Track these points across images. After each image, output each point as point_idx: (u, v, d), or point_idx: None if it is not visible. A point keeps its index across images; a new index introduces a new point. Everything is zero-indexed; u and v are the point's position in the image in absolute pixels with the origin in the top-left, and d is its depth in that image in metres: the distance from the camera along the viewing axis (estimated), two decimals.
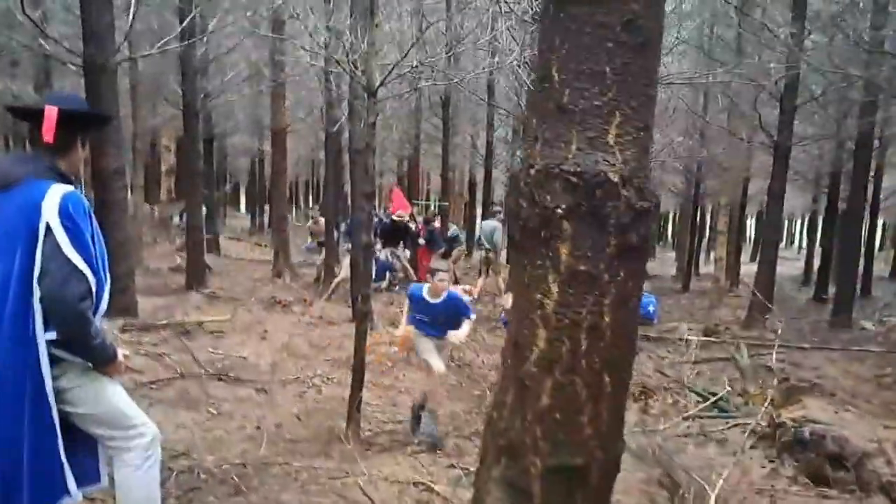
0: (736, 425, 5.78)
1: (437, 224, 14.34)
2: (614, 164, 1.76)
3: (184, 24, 7.99)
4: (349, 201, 15.72)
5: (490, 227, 12.80)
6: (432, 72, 7.11)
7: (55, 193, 2.35)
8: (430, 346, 5.95)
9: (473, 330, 10.02)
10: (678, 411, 6.41)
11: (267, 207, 27.68)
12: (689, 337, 10.75)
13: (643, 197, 1.78)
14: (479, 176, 23.64)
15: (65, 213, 2.34)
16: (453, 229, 15.69)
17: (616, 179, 1.74)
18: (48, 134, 2.42)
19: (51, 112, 2.43)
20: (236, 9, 11.20)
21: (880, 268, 25.57)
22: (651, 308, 11.50)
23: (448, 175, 17.09)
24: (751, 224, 46.66)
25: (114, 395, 2.57)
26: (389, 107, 14.79)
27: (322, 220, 12.78)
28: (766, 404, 5.83)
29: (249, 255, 17.69)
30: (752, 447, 5.19)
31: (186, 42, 8.12)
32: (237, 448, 5.49)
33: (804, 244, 31.18)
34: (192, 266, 10.63)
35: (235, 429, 5.96)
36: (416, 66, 5.48)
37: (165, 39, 7.61)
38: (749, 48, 11.57)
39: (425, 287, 5.89)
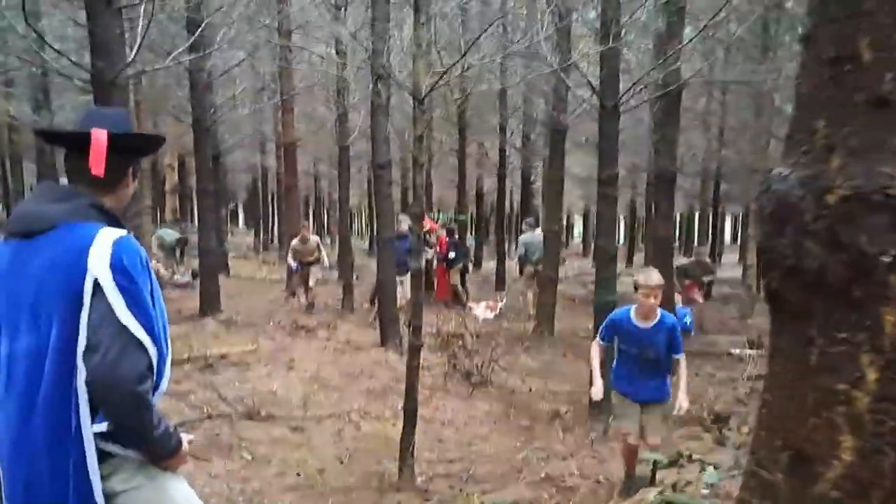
0: None
1: (456, 237, 13.75)
2: None
3: (195, 35, 7.42)
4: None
5: (539, 239, 12.24)
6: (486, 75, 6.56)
7: (104, 240, 1.79)
8: (633, 412, 4.81)
9: (513, 352, 9.55)
10: None
11: (272, 224, 27.11)
12: (735, 351, 10.22)
13: None
14: (486, 185, 23.20)
15: (118, 267, 1.77)
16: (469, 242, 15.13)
17: None
18: (98, 166, 1.86)
19: (100, 137, 1.86)
20: (243, 20, 10.68)
21: None
22: (687, 320, 10.93)
23: (465, 187, 16.50)
24: None
25: (177, 495, 1.99)
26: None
27: (313, 238, 11.67)
28: None
29: (258, 274, 17.12)
30: None
31: (199, 55, 7.55)
32: (280, 501, 4.93)
33: None
34: (206, 291, 10.04)
35: (274, 476, 5.39)
36: (467, 69, 4.92)
37: (177, 52, 7.04)
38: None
39: (632, 309, 4.67)
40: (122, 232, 1.86)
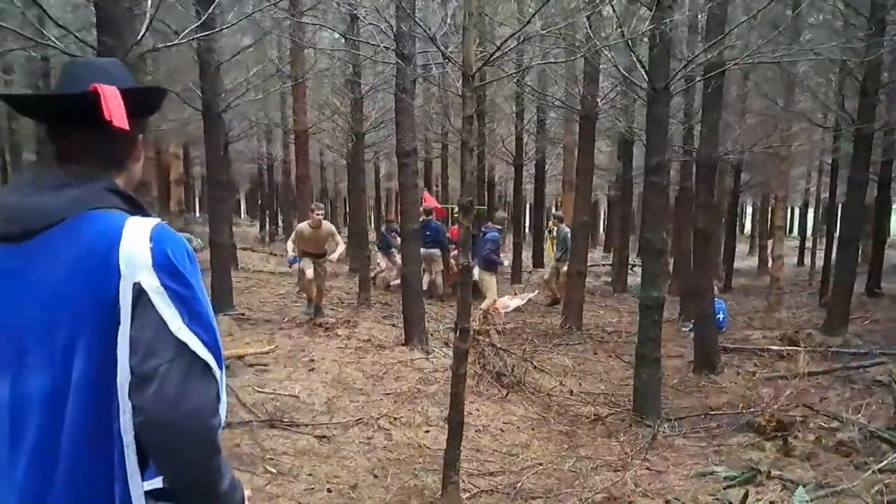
0: None
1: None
2: None
3: (208, 11, 6.89)
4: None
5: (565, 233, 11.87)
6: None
7: (138, 232, 1.30)
8: None
9: (543, 349, 9.07)
10: (835, 452, 5.36)
11: (278, 215, 26.62)
12: (773, 347, 9.73)
13: None
14: (497, 174, 22.60)
15: (166, 266, 1.29)
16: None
17: None
18: (121, 117, 1.35)
19: (108, 89, 1.36)
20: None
21: None
22: (721, 315, 10.43)
23: (484, 176, 15.93)
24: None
25: None
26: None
27: (326, 225, 10.09)
28: None
29: (266, 267, 16.63)
30: None
31: (210, 32, 7.01)
32: None
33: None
34: (218, 286, 9.53)
35: (303, 493, 4.91)
36: (523, 42, 4.38)
37: (189, 29, 6.51)
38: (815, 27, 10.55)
39: None
40: (156, 219, 1.36)
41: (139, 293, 1.26)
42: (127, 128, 1.36)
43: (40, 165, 1.50)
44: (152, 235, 1.30)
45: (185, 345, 1.26)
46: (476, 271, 9.52)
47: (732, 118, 10.89)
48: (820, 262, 19.10)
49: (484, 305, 10.12)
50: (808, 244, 23.69)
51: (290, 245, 9.46)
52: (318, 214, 9.16)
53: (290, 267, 9.72)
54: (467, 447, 6.03)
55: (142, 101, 1.50)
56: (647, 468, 5.56)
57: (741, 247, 28.45)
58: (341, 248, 9.35)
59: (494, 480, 5.40)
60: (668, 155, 6.34)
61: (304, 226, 9.28)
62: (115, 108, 1.34)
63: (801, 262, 24.13)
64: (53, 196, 1.32)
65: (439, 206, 12.01)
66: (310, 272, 9.24)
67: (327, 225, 9.37)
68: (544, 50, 7.28)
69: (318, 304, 9.67)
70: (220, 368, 1.33)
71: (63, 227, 1.29)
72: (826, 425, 6.09)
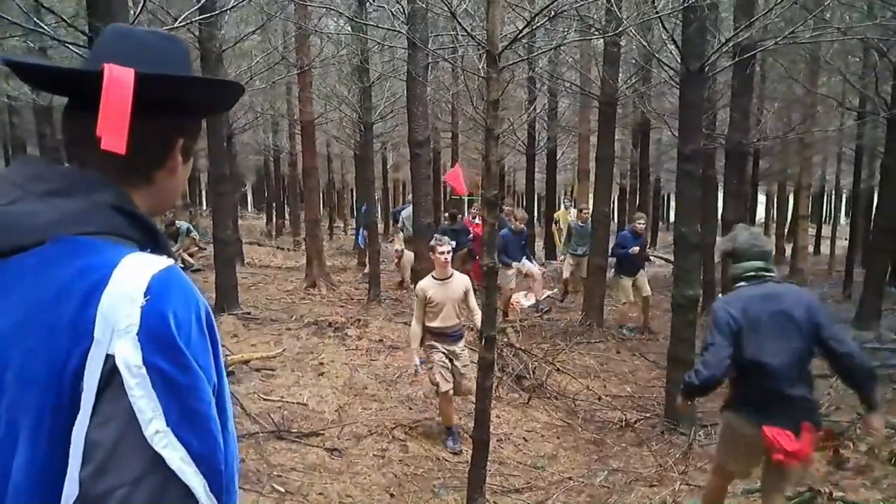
0: None
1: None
2: None
3: None
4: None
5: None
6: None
7: (131, 278, 0.89)
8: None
9: (564, 348, 8.61)
10: (893, 464, 4.90)
11: (285, 208, 26.26)
12: None
13: None
14: (507, 164, 22.13)
15: (157, 334, 0.87)
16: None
17: None
18: (114, 132, 0.92)
19: (120, 79, 0.92)
20: None
21: None
22: None
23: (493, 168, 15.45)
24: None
25: None
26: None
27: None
28: None
29: (272, 261, 16.24)
30: None
31: (210, 14, 6.56)
32: None
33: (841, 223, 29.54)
34: (223, 284, 9.14)
35: None
36: (553, 17, 3.91)
37: (188, 12, 6.06)
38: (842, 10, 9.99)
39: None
40: (166, 261, 0.94)
41: (111, 371, 0.84)
42: (121, 150, 0.92)
43: (37, 158, 1.05)
44: (151, 286, 0.88)
45: (160, 459, 0.83)
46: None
47: (755, 103, 10.36)
48: (839, 252, 18.60)
49: (500, 304, 9.69)
50: (826, 232, 23.10)
51: (414, 329, 5.54)
52: (444, 254, 5.33)
53: (416, 375, 5.93)
54: (490, 459, 5.62)
55: (185, 97, 1.06)
56: (687, 483, 5.13)
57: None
58: (479, 316, 5.29)
59: (521, 498, 5.00)
60: (701, 142, 5.86)
61: (427, 283, 5.52)
62: (110, 117, 0.90)
63: (817, 251, 23.56)
64: (36, 205, 0.93)
65: (463, 186, 11.32)
66: (448, 386, 5.57)
67: (461, 277, 5.62)
68: (560, 32, 6.83)
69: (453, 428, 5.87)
70: (215, 474, 0.89)
71: (37, 254, 0.90)
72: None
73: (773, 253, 4.38)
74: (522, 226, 10.64)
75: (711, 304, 3.67)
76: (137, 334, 0.85)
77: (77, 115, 1.00)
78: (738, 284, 3.49)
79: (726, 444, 3.65)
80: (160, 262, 0.92)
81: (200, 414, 0.88)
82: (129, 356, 0.84)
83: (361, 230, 13.95)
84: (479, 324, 5.09)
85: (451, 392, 5.69)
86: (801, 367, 3.27)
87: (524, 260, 10.50)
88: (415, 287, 6.11)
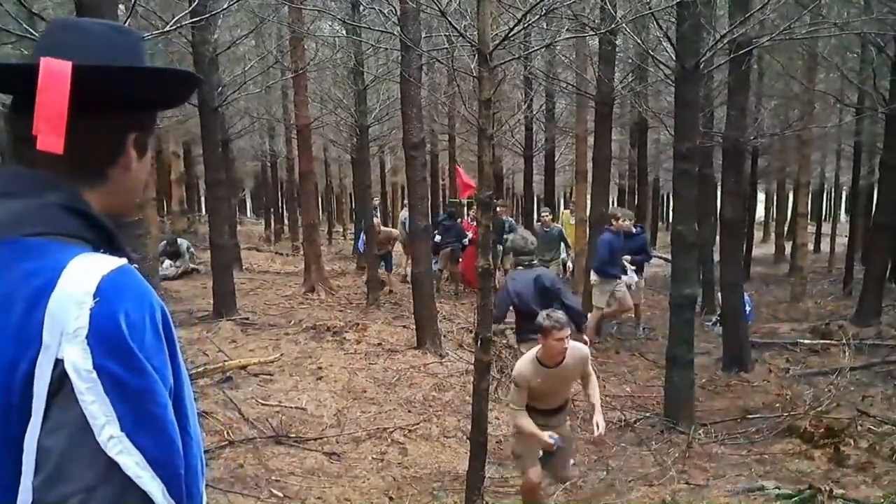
0: None
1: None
2: None
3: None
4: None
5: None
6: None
7: (81, 280, 0.86)
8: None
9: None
10: (894, 461, 4.87)
11: (283, 213, 26.23)
12: (804, 341, 9.23)
13: None
14: (505, 166, 22.01)
15: (106, 336, 0.84)
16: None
17: None
18: (50, 131, 0.88)
19: (57, 72, 0.88)
20: None
21: None
22: (748, 308, 9.93)
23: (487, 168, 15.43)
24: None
25: None
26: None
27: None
28: None
29: (271, 266, 16.19)
30: None
31: (202, 17, 6.53)
32: None
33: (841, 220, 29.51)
34: (220, 289, 9.10)
35: None
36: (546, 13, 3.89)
37: (180, 15, 6.05)
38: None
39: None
40: (117, 261, 0.90)
41: (61, 376, 0.82)
42: (58, 150, 0.88)
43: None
44: (101, 287, 0.85)
45: (114, 465, 0.81)
46: None
47: (752, 100, 10.34)
48: (839, 249, 18.56)
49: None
50: (825, 230, 23.07)
51: (522, 421, 4.21)
52: (562, 340, 4.04)
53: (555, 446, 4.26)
54: (489, 461, 5.58)
55: (132, 90, 1.01)
56: (686, 482, 5.09)
57: (755, 235, 27.83)
58: (595, 389, 4.48)
59: (520, 499, 4.95)
60: (698, 140, 5.84)
61: (530, 371, 4.19)
62: (45, 113, 0.87)
63: (817, 248, 23.53)
64: None
65: (471, 183, 11.25)
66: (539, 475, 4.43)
67: (577, 351, 4.30)
68: (553, 31, 6.81)
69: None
70: (177, 500, 0.87)
71: None
72: (876, 429, 5.60)
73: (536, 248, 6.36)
74: (626, 224, 8.87)
75: (504, 278, 6.02)
76: (87, 337, 0.82)
77: (21, 114, 0.95)
78: (517, 267, 5.99)
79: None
80: (111, 263, 0.89)
81: (156, 417, 0.85)
82: (78, 360, 0.81)
83: (362, 235, 13.95)
84: (594, 398, 4.37)
85: (543, 483, 4.49)
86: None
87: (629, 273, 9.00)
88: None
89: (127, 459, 0.81)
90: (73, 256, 0.88)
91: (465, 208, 13.38)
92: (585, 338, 5.82)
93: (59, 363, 0.82)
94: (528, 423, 4.15)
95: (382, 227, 11.05)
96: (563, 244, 12.11)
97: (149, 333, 0.87)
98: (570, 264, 12.80)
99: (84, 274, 0.86)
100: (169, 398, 0.89)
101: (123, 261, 0.91)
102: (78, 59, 0.90)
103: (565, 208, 16.83)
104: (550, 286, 5.64)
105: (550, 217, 12.22)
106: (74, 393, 0.81)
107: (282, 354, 7.30)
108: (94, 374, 0.81)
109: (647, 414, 6.66)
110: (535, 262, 5.91)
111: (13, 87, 0.98)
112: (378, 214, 14.70)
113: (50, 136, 0.87)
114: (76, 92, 0.88)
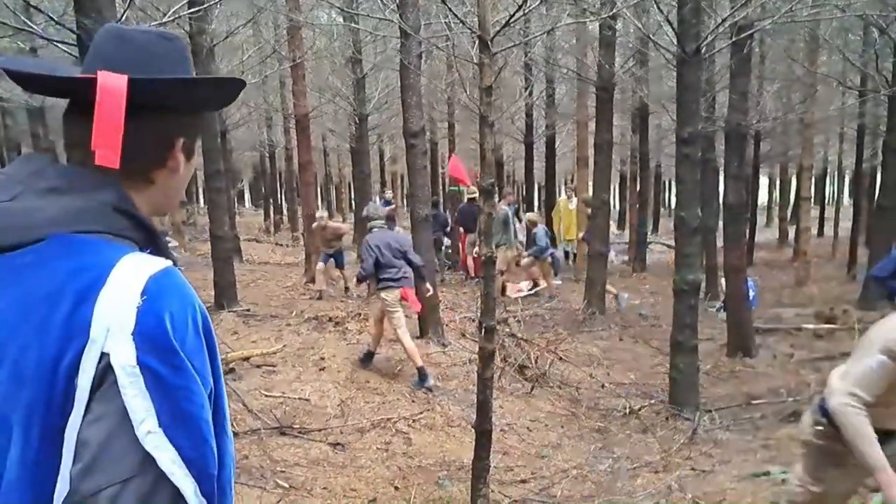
0: None
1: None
2: None
3: None
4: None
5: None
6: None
7: (127, 279, 0.89)
8: None
9: (566, 337, 8.55)
10: None
11: (282, 204, 26.21)
12: (808, 326, 9.22)
13: None
14: (505, 153, 21.92)
15: (151, 335, 0.87)
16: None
17: None
18: (108, 145, 0.92)
19: (113, 87, 0.92)
20: None
21: None
22: (752, 293, 9.90)
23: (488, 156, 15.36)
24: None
25: None
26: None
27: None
28: None
29: (271, 258, 16.19)
30: None
31: (199, 8, 6.47)
32: None
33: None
34: (221, 281, 9.09)
35: None
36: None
37: (176, 7, 5.98)
38: None
39: None
40: (164, 262, 0.93)
41: (105, 370, 0.84)
42: (115, 164, 0.92)
43: (48, 157, 1.04)
44: (148, 287, 0.88)
45: (150, 459, 0.83)
46: None
47: (754, 84, 10.27)
48: (843, 233, 18.50)
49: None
50: (828, 214, 23.02)
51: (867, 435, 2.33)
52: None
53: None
54: (493, 450, 5.56)
55: (181, 99, 1.05)
56: (692, 468, 5.09)
57: (758, 219, 27.72)
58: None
59: (526, 488, 4.96)
60: (700, 124, 5.79)
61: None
62: (103, 128, 0.91)
63: (821, 232, 23.48)
64: (43, 203, 0.93)
65: (466, 177, 11.14)
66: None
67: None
68: (554, 16, 6.74)
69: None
70: (207, 499, 0.89)
71: (36, 251, 0.90)
72: None
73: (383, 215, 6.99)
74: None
75: (363, 239, 7.02)
76: (133, 334, 0.85)
77: (76, 118, 1.00)
78: (371, 231, 6.75)
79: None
80: (158, 263, 0.92)
81: (192, 416, 0.88)
82: (123, 356, 0.84)
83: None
84: None
85: None
86: (403, 264, 6.60)
87: None
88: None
89: (162, 455, 0.83)
90: (123, 255, 0.90)
91: (465, 197, 13.34)
92: (428, 286, 7.20)
93: (104, 357, 0.84)
94: (875, 445, 2.28)
95: (331, 223, 10.65)
96: (513, 229, 11.57)
97: (191, 334, 0.90)
98: (571, 251, 12.75)
99: (133, 273, 0.88)
100: (208, 399, 0.91)
101: (169, 262, 0.94)
102: (132, 71, 0.95)
103: (563, 195, 16.77)
104: (399, 246, 6.70)
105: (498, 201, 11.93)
106: (117, 386, 0.83)
107: (284, 345, 7.29)
108: (138, 370, 0.84)
109: (652, 401, 6.65)
110: (385, 225, 6.88)
111: (68, 94, 1.02)
112: (327, 207, 14.39)
113: (107, 150, 0.92)
114: (129, 102, 0.92)
